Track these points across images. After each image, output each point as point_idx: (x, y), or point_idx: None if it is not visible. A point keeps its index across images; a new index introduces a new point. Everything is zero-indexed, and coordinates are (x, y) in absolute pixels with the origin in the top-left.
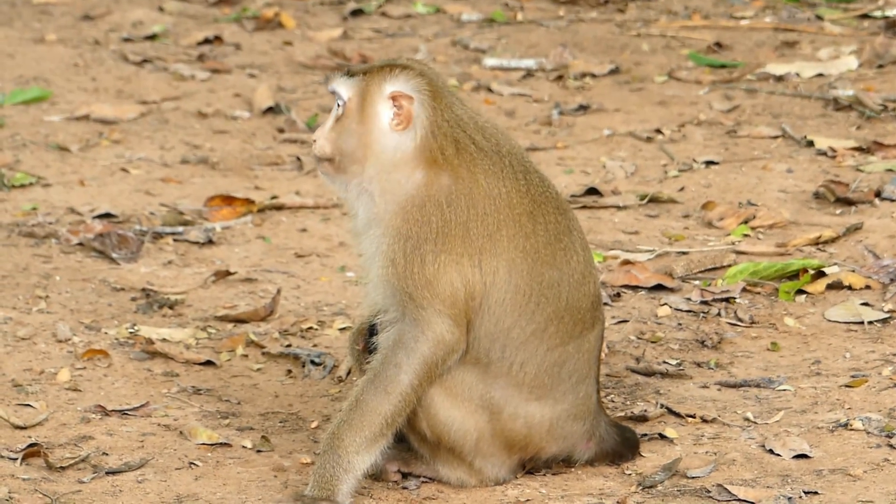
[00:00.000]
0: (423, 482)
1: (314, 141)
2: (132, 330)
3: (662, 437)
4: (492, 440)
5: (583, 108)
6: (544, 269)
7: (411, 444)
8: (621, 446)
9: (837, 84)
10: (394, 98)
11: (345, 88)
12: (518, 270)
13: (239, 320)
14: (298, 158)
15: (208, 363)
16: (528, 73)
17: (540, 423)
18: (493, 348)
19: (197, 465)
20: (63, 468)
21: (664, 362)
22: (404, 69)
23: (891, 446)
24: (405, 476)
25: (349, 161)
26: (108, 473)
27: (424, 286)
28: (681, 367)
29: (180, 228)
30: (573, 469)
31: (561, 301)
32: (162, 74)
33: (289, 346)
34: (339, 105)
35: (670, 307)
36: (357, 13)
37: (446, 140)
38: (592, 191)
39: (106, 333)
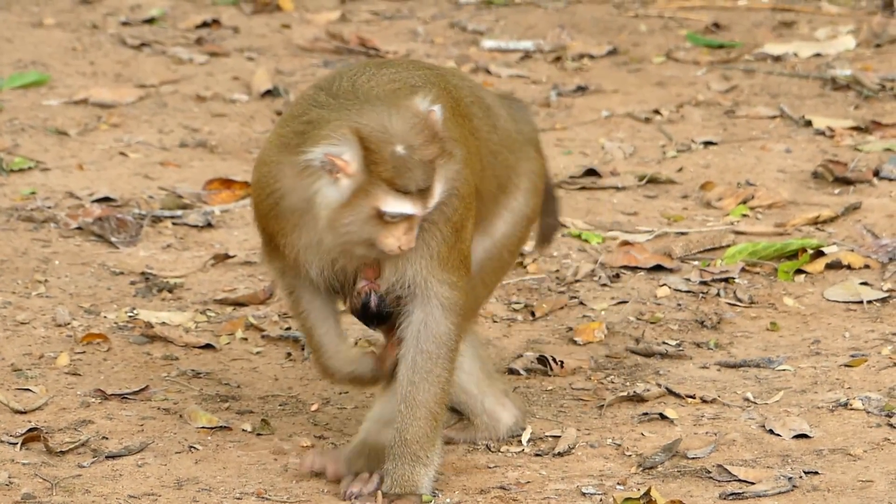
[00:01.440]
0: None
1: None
2: (131, 314)
3: (662, 417)
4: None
5: (581, 90)
6: None
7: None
8: None
9: (835, 64)
10: None
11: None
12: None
13: (238, 303)
14: None
15: (208, 346)
16: (527, 55)
17: None
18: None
19: (197, 449)
20: (63, 452)
21: (664, 343)
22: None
23: (891, 426)
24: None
25: None
26: (107, 457)
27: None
28: (680, 348)
29: (179, 212)
30: (574, 451)
31: None
32: (160, 58)
33: (288, 329)
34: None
35: (669, 288)
36: None
37: None
38: (591, 172)
39: (105, 317)
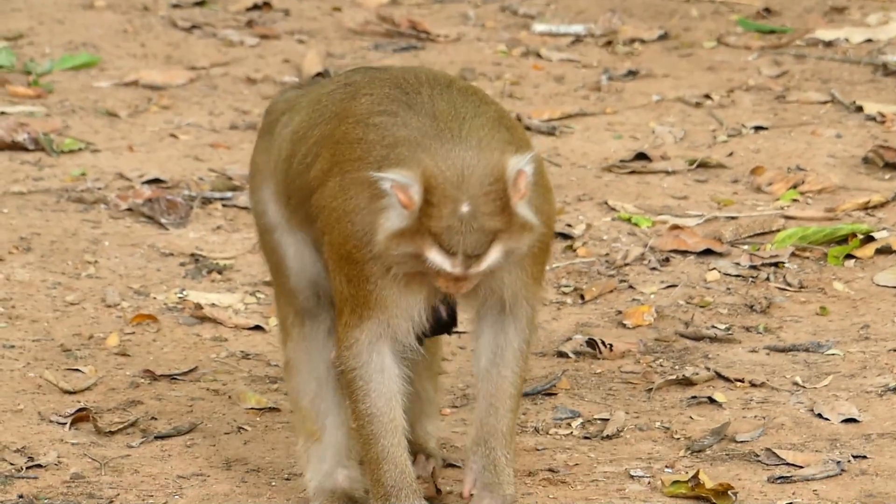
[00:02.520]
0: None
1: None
2: (181, 295)
3: (711, 401)
4: None
5: (632, 74)
6: None
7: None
8: None
9: (886, 49)
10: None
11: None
12: None
13: None
14: None
15: (257, 328)
16: (577, 39)
17: None
18: None
19: (245, 430)
20: (112, 433)
21: (713, 327)
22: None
23: None
24: None
25: None
26: (156, 438)
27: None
28: (729, 332)
29: (229, 194)
30: (622, 434)
31: None
32: (211, 40)
33: None
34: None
35: (719, 272)
36: None
37: None
38: (641, 156)
39: (155, 298)
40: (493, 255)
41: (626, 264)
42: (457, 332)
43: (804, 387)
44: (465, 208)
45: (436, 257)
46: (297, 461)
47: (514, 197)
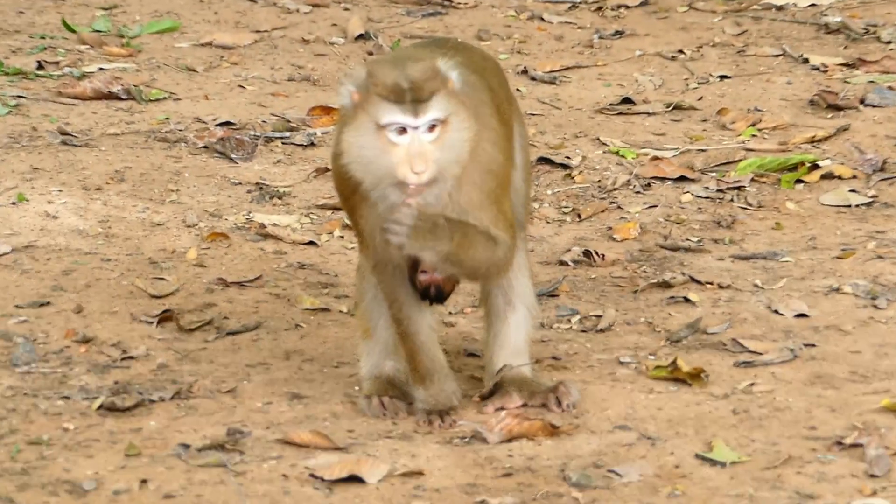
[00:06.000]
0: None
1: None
2: (248, 217)
3: (686, 300)
4: None
5: (618, 34)
6: None
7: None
8: None
9: (828, 12)
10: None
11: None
12: None
13: (335, 208)
14: None
15: (311, 243)
16: (573, 5)
17: None
18: None
19: (302, 327)
20: (191, 330)
21: (687, 239)
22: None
23: (875, 307)
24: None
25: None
26: (228, 334)
27: None
28: (701, 244)
29: (287, 133)
30: (613, 328)
31: None
32: (272, 8)
33: None
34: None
35: (692, 195)
36: None
37: None
38: (627, 101)
39: (226, 220)
40: (438, 105)
41: (615, 189)
42: None
43: (763, 288)
44: (403, 71)
45: (386, 113)
46: (356, 352)
47: (447, 78)
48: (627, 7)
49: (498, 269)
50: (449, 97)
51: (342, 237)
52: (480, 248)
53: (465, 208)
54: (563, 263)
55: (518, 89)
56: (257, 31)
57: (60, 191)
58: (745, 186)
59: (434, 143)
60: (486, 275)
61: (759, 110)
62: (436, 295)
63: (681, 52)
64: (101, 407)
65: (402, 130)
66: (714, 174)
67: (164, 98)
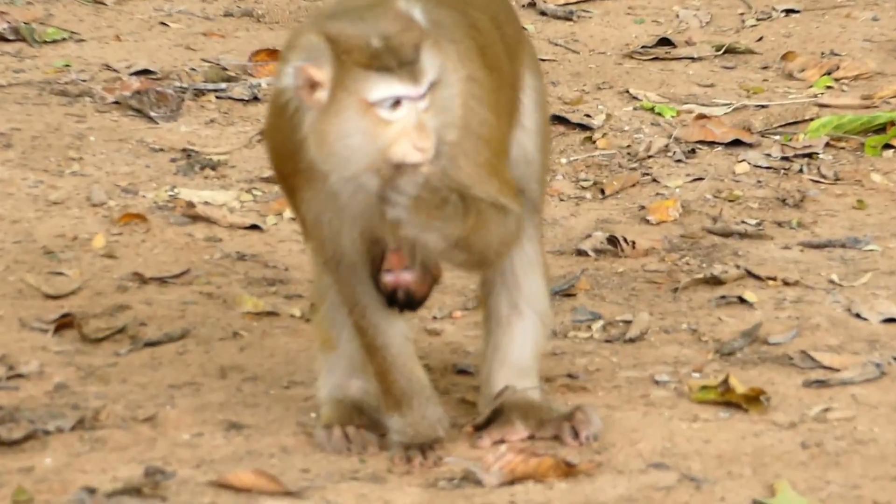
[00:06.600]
0: None
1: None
2: (172, 193)
3: (741, 300)
4: None
5: None
6: None
7: None
8: None
9: None
10: None
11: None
12: None
13: None
14: None
15: (253, 227)
16: None
17: None
18: None
19: (242, 336)
20: (98, 340)
21: (743, 222)
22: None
23: None
24: None
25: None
26: (146, 345)
27: None
28: (760, 227)
29: (223, 85)
30: (646, 337)
31: None
32: None
33: None
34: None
35: (749, 163)
36: None
37: None
38: (665, 41)
39: (144, 197)
40: (430, 62)
41: (650, 156)
42: None
43: (840, 285)
44: (375, 27)
45: (378, 88)
46: (313, 368)
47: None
48: None
49: (509, 248)
50: (432, 48)
51: (293, 219)
52: (494, 227)
53: (465, 184)
54: (581, 253)
55: (524, 28)
56: None
57: None
58: (817, 153)
59: (427, 110)
60: (495, 259)
61: (835, 55)
62: (405, 301)
63: None
64: None
65: (397, 103)
66: (778, 137)
67: (64, 39)
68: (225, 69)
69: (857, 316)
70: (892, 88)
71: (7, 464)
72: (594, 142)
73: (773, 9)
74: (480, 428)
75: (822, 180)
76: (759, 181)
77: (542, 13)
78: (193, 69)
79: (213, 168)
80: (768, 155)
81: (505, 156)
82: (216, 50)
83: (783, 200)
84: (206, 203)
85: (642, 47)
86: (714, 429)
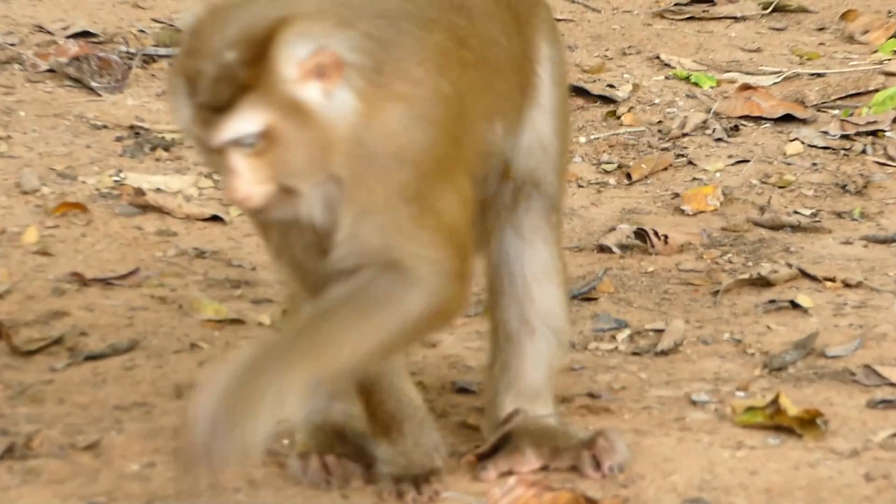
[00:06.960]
0: None
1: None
2: (117, 178)
3: (794, 305)
4: None
5: None
6: None
7: None
8: None
9: None
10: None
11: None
12: None
13: None
14: None
15: (214, 218)
16: None
17: None
18: None
19: (201, 347)
20: (31, 352)
21: (795, 212)
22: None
23: None
24: None
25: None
26: (87, 359)
27: None
28: (817, 219)
29: (177, 50)
30: (681, 349)
31: None
32: None
33: None
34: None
35: (802, 143)
36: None
37: None
38: None
39: (84, 183)
40: (243, 117)
41: (685, 134)
42: None
43: None
44: (213, 40)
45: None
46: None
47: (285, 62)
48: None
49: (429, 322)
50: (277, 89)
51: None
52: (368, 321)
53: (358, 217)
54: (603, 249)
55: None
56: None
57: None
58: (884, 131)
59: (260, 158)
60: (418, 334)
61: None
62: None
63: None
64: None
65: None
66: (837, 112)
67: None
68: (179, 31)
69: None
70: None
71: None
72: (619, 117)
73: None
74: (485, 457)
75: (890, 162)
76: (814, 164)
77: None
78: (142, 31)
79: (166, 149)
80: (825, 133)
81: (451, 173)
82: (168, 8)
83: (843, 186)
84: (158, 190)
85: (675, 4)
86: (762, 458)
